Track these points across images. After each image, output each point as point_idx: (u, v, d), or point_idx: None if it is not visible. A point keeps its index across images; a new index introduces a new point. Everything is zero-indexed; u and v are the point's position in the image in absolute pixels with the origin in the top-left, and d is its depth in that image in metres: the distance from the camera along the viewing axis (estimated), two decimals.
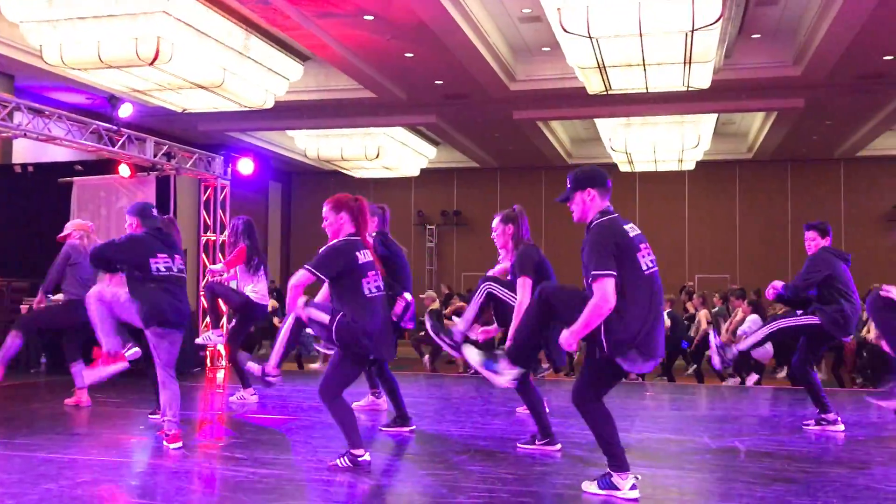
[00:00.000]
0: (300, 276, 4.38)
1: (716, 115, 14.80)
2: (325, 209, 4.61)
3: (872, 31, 9.85)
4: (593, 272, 3.78)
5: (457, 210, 20.99)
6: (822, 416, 6.01)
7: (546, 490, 4.30)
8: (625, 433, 5.83)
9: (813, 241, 6.10)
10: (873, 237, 18.26)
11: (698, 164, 17.05)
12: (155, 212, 5.46)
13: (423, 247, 20.98)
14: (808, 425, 6.07)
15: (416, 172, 18.73)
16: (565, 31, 8.78)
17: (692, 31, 8.68)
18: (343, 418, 4.46)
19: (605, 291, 3.74)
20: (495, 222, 5.30)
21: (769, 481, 4.50)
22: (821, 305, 5.82)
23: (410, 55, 11.16)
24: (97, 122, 9.16)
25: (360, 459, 4.46)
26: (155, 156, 9.79)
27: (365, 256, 4.52)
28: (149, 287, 5.01)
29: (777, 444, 5.52)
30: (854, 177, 18.76)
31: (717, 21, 8.49)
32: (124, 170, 10.09)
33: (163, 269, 5.09)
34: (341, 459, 4.50)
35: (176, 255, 5.23)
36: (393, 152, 16.53)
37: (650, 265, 3.95)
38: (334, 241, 4.54)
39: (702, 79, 10.37)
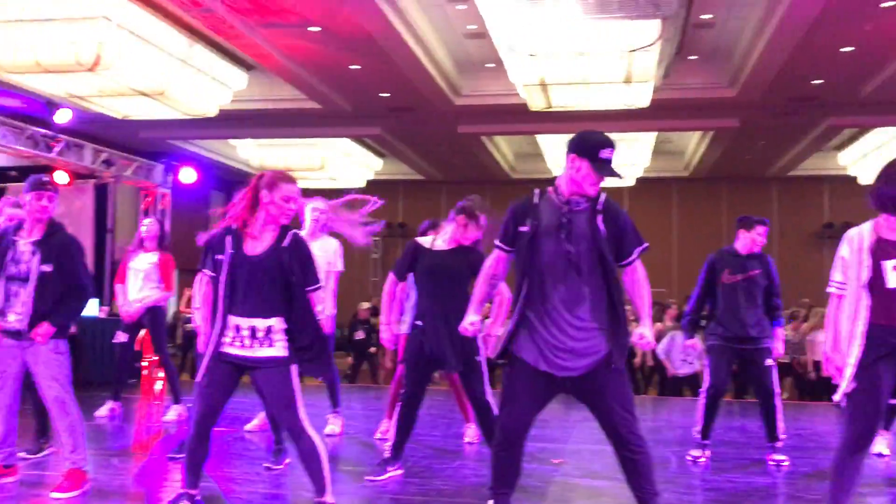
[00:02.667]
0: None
1: (654, 134, 15.16)
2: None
3: (803, 56, 10.24)
4: (642, 244, 3.53)
5: (402, 222, 21.02)
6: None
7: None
8: (562, 444, 5.95)
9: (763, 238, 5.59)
10: (804, 255, 18.86)
11: (638, 180, 17.40)
12: None
13: (367, 258, 20.94)
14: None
15: (362, 184, 18.71)
16: (509, 48, 8.95)
17: (632, 52, 8.93)
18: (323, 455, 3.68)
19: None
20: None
21: (699, 492, 4.65)
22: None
23: (356, 67, 11.19)
24: (33, 127, 8.97)
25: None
26: (93, 163, 9.63)
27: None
28: None
29: (710, 453, 5.68)
30: (786, 196, 19.39)
31: (655, 42, 8.75)
32: (61, 177, 9.87)
33: None
34: None
35: None
36: (338, 163, 16.51)
37: None
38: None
39: (641, 98, 10.64)
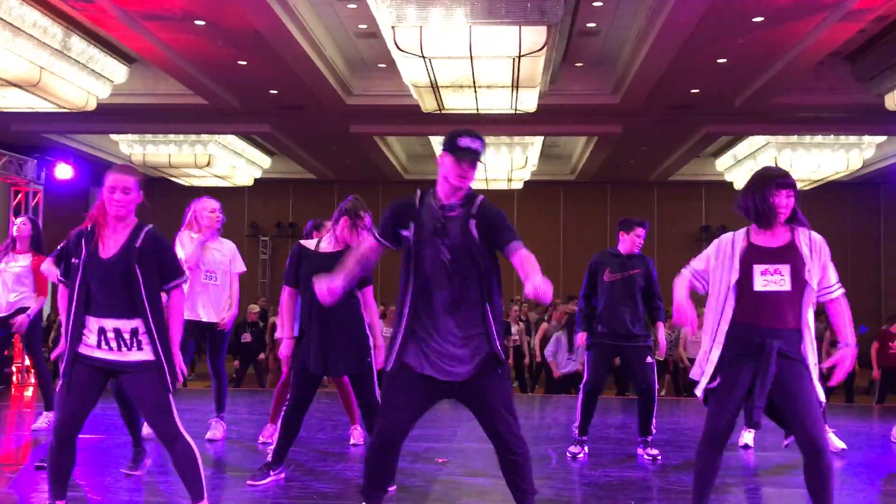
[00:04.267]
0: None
1: (542, 138, 15.50)
2: (130, 181, 3.61)
3: (681, 67, 10.69)
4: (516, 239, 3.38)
5: (292, 222, 20.74)
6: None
7: None
8: (447, 444, 6.02)
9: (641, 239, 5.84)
10: (683, 256, 19.59)
11: (526, 183, 17.77)
12: None
13: (256, 258, 20.55)
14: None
15: (250, 182, 18.37)
16: (399, 49, 8.96)
17: (519, 57, 9.10)
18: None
19: None
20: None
21: (576, 486, 4.79)
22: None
23: (244, 63, 10.96)
24: None
25: None
26: None
27: None
28: None
29: (589, 448, 5.86)
30: (666, 200, 20.21)
31: (542, 48, 8.95)
32: None
33: None
34: None
35: None
36: (225, 161, 16.14)
37: None
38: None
39: (528, 103, 10.85)
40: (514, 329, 12.24)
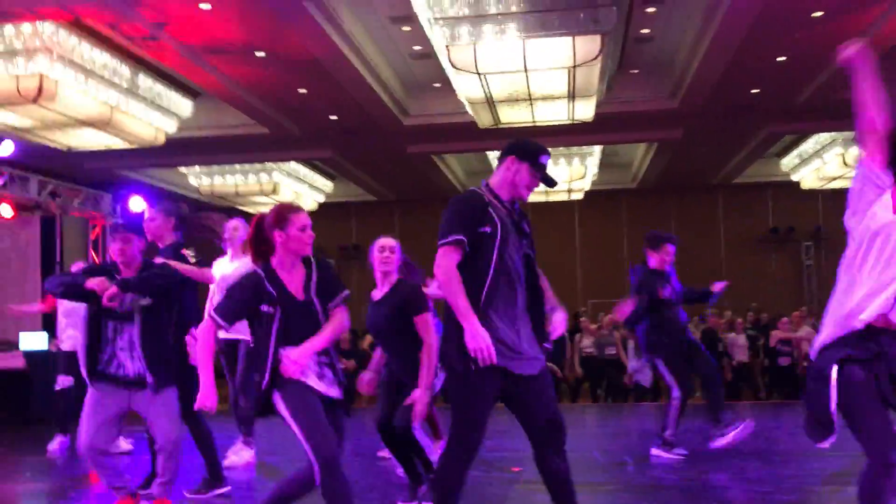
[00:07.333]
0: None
1: (601, 147, 15.42)
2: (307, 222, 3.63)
3: (739, 66, 10.56)
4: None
5: (356, 244, 21.00)
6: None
7: None
8: (518, 451, 6.02)
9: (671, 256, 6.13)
10: (751, 260, 19.28)
11: (587, 193, 17.66)
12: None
13: None
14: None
15: (314, 207, 18.71)
16: (454, 67, 9.08)
17: (574, 67, 9.12)
18: None
19: None
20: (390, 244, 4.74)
21: (653, 490, 4.75)
22: None
23: (303, 91, 11.24)
24: None
25: None
26: (39, 195, 9.50)
27: None
28: None
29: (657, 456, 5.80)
30: (731, 202, 19.82)
31: (596, 57, 8.96)
32: (6, 210, 9.72)
33: None
34: None
35: None
36: (289, 187, 16.49)
37: None
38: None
39: (585, 112, 10.85)
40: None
